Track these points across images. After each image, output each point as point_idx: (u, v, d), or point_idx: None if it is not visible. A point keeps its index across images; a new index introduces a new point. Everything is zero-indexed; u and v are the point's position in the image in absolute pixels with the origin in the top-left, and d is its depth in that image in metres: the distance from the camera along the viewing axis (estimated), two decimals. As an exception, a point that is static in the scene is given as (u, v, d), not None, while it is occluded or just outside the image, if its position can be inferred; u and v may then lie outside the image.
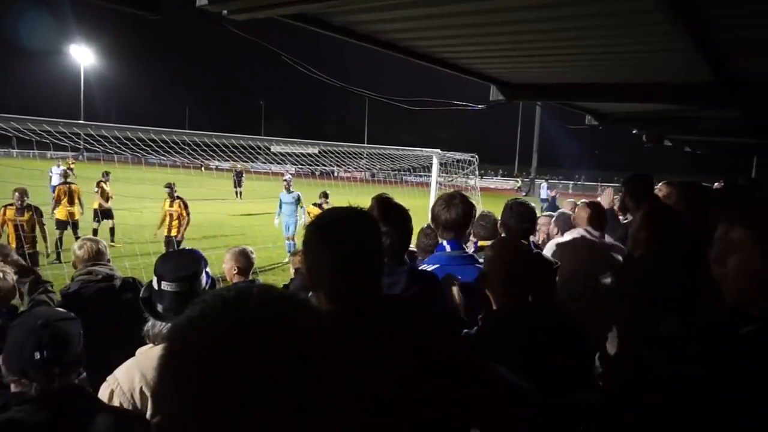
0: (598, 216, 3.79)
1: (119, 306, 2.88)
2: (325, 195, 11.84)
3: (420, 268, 2.65)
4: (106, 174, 13.21)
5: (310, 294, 1.42)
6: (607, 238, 3.81)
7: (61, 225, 11.04)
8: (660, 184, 5.06)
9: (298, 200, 12.23)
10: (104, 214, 12.77)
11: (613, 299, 2.82)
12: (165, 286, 2.10)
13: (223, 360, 0.61)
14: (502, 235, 3.37)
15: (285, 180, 12.52)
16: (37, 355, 1.61)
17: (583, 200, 4.29)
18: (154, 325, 2.10)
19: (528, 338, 1.90)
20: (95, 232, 11.69)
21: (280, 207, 12.26)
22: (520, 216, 3.27)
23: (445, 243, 2.76)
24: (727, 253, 1.37)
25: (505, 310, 2.04)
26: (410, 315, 1.40)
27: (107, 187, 12.94)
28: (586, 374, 2.12)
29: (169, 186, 10.64)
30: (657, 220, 2.61)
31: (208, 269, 2.26)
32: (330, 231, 1.36)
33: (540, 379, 1.72)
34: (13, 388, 1.66)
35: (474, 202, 3.41)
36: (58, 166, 17.09)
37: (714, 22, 2.97)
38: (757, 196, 5.42)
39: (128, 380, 1.94)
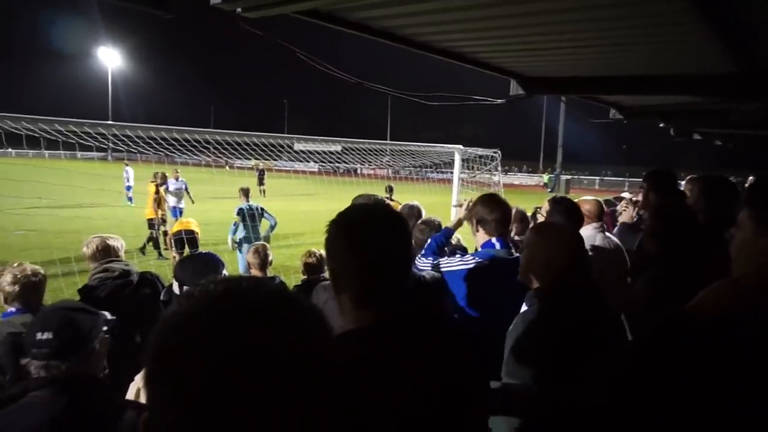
0: (602, 213, 3.87)
1: (137, 302, 2.93)
2: (390, 189, 10.13)
3: (469, 258, 2.80)
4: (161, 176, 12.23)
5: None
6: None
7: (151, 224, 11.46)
8: (687, 179, 4.94)
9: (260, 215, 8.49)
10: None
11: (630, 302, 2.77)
12: None
13: (208, 361, 0.60)
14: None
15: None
16: (39, 335, 1.71)
17: (586, 197, 4.24)
18: None
19: (578, 320, 1.88)
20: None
21: (237, 226, 8.38)
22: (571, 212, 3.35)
23: (494, 240, 2.88)
24: (735, 234, 1.58)
25: (556, 288, 1.98)
26: (435, 329, 1.33)
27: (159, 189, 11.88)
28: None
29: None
30: (664, 218, 2.57)
31: (225, 272, 2.31)
32: (358, 232, 1.26)
33: (575, 367, 1.74)
34: (32, 372, 1.74)
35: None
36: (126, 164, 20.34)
37: (736, 12, 2.89)
38: None
39: None
